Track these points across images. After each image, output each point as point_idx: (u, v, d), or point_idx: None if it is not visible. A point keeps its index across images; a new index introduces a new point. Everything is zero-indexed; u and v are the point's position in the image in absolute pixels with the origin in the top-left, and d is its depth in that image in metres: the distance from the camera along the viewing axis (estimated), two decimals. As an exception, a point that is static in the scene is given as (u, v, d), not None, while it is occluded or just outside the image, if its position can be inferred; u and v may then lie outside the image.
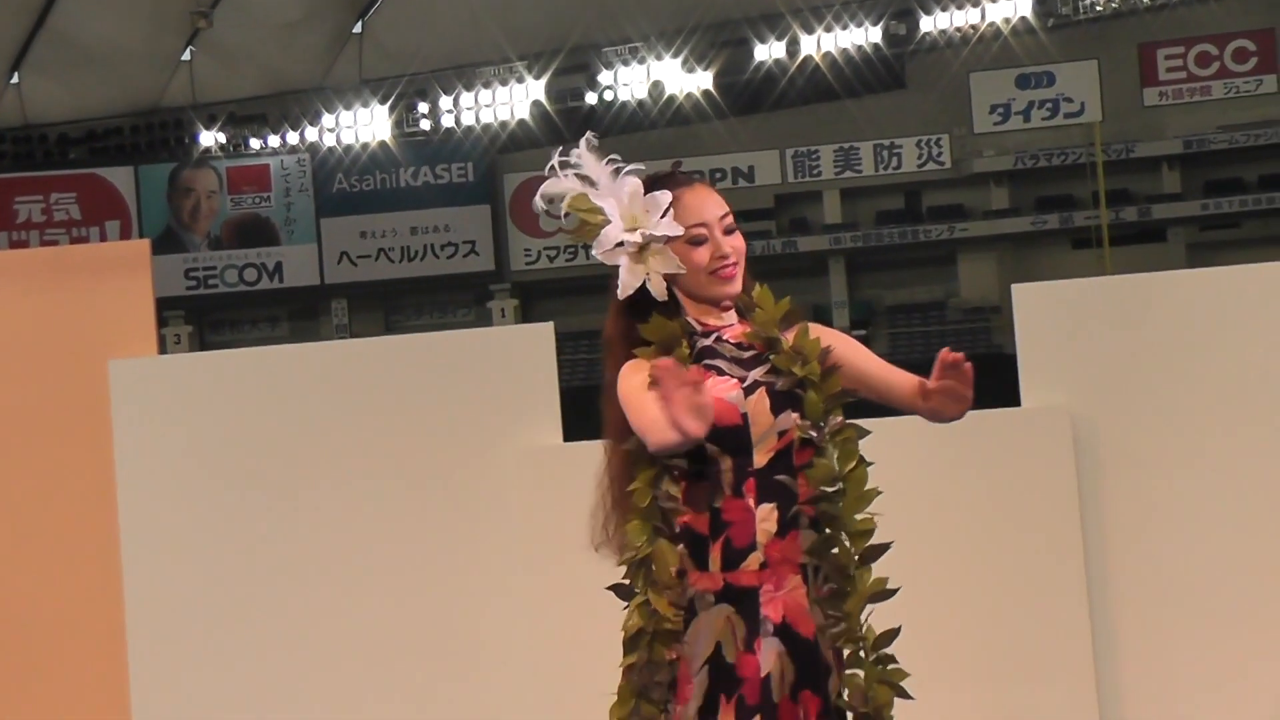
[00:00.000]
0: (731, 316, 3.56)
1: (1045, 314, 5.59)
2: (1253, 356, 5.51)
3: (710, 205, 3.51)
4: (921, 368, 3.57)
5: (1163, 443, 5.50)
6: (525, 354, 5.77)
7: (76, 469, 5.98)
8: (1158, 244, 32.53)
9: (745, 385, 3.44)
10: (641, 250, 3.48)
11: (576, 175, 3.52)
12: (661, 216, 3.47)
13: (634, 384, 3.41)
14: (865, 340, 3.70)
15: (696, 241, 3.49)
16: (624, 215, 3.48)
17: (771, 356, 3.48)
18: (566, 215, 3.53)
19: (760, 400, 3.43)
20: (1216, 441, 5.49)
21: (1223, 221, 32.72)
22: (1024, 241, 33.26)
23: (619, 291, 3.50)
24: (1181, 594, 5.48)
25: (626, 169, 3.51)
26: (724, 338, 3.52)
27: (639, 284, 3.48)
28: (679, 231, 3.47)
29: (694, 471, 3.43)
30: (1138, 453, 5.51)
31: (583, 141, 3.51)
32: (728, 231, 3.51)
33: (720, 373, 3.46)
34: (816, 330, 3.53)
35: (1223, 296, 5.59)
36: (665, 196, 3.48)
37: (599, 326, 3.63)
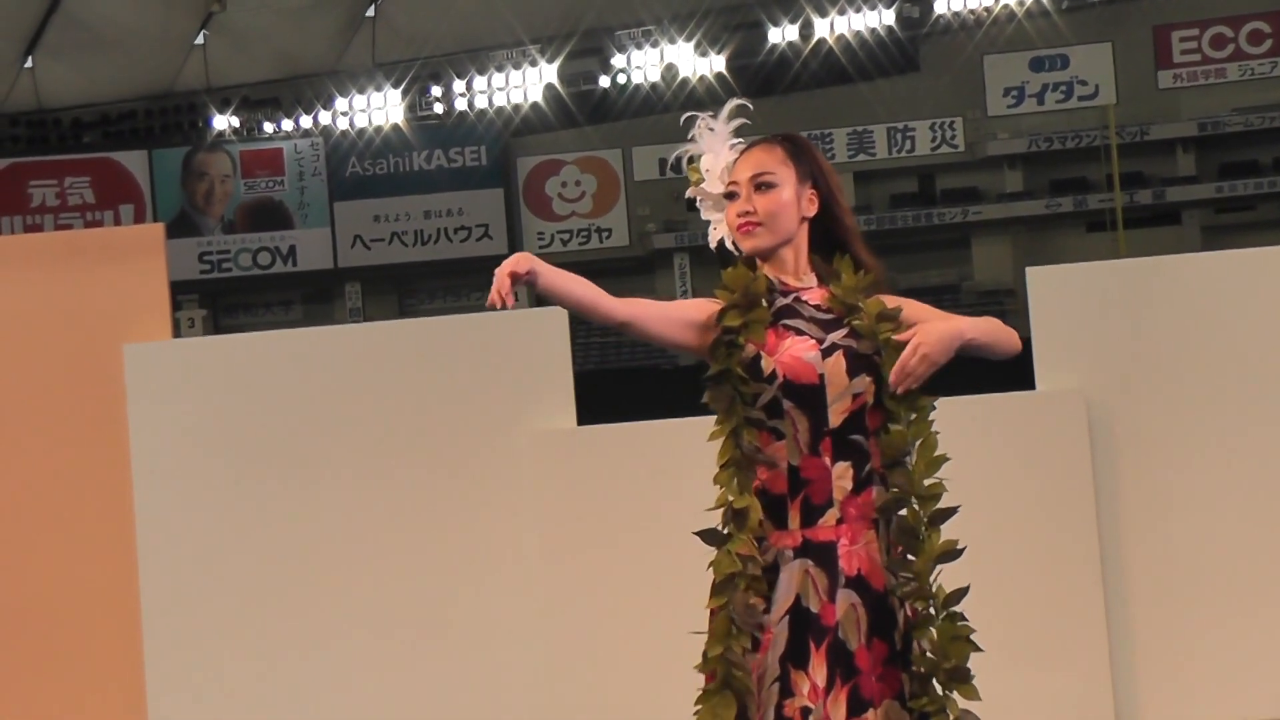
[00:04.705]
0: (812, 279, 3.65)
1: (1059, 297, 5.59)
2: (1266, 339, 5.50)
3: (748, 164, 3.63)
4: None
5: (1177, 425, 5.50)
6: (539, 338, 5.78)
7: (91, 452, 6.00)
8: (1172, 227, 32.42)
9: (824, 347, 3.54)
10: (714, 206, 3.69)
11: (704, 136, 3.70)
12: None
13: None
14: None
15: (730, 197, 3.62)
16: (719, 174, 3.67)
17: (853, 322, 3.56)
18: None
19: (838, 362, 3.52)
20: (1230, 424, 5.48)
21: (1237, 204, 32.60)
22: (1038, 224, 33.17)
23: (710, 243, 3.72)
24: (1195, 576, 5.48)
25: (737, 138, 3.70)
26: (803, 299, 3.61)
27: (717, 237, 3.68)
28: (718, 190, 3.65)
29: (772, 429, 3.52)
30: (1152, 435, 5.51)
31: (728, 104, 3.69)
32: (759, 188, 3.60)
33: (799, 333, 3.55)
34: (895, 301, 3.60)
35: (1237, 279, 5.58)
36: (730, 157, 3.67)
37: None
